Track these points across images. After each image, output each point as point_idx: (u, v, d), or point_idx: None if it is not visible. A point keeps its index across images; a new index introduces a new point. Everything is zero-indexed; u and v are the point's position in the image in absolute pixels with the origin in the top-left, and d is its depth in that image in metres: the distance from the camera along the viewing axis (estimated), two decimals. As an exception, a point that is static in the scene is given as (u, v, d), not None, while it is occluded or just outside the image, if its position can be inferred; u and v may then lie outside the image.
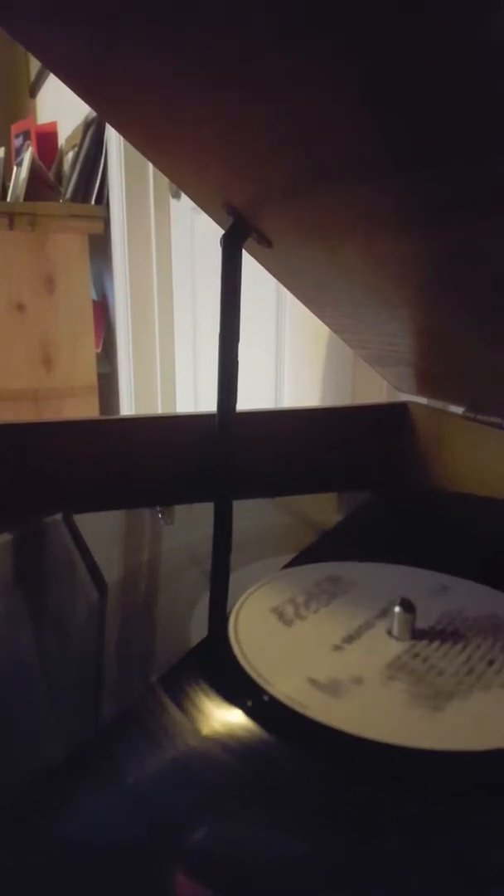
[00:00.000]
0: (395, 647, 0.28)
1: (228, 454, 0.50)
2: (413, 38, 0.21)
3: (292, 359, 0.92)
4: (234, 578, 0.35)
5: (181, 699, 0.24)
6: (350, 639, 0.28)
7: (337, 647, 0.28)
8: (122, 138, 1.50)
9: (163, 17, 0.26)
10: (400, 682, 0.25)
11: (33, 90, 2.46)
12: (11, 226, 1.51)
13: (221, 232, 0.46)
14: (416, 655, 0.27)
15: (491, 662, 0.27)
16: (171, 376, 1.59)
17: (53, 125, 1.98)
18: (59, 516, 0.42)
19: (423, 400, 0.58)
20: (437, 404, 0.57)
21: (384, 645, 0.28)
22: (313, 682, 0.25)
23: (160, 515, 0.44)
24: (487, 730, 0.23)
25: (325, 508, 0.49)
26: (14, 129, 2.11)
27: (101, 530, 0.42)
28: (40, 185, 1.65)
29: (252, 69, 0.27)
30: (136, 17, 0.27)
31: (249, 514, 0.46)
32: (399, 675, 0.26)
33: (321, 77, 0.26)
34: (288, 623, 0.29)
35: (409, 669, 0.26)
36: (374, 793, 0.20)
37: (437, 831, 0.19)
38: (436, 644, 0.28)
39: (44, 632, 0.30)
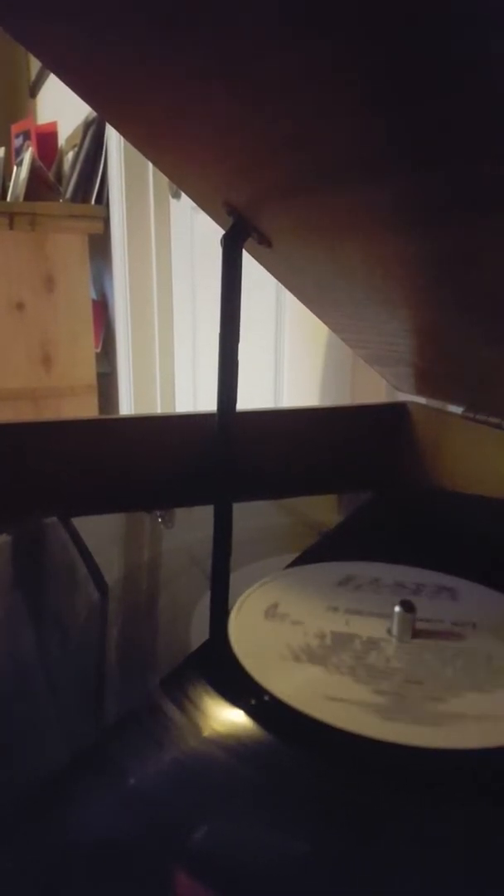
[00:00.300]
0: (367, 631, 0.29)
1: (228, 454, 0.50)
2: (413, 38, 0.22)
3: (292, 358, 0.92)
4: (235, 579, 0.35)
5: (182, 699, 0.24)
6: (352, 612, 0.29)
7: (333, 609, 0.28)
8: (122, 138, 1.50)
9: (164, 17, 0.26)
10: (317, 643, 0.28)
11: (33, 90, 2.46)
12: (11, 225, 1.51)
13: (221, 232, 0.46)
14: (374, 644, 0.28)
15: (418, 682, 0.26)
16: (170, 376, 1.59)
17: (53, 125, 1.98)
18: (58, 517, 0.42)
19: (422, 400, 0.58)
20: (437, 404, 0.57)
21: (366, 628, 0.29)
22: (270, 608, 0.27)
23: (160, 520, 0.44)
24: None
25: (324, 509, 0.49)
26: (14, 128, 2.11)
27: (101, 531, 0.42)
28: (40, 185, 1.65)
29: (253, 69, 0.27)
30: (138, 16, 0.27)
31: (249, 514, 0.46)
32: (327, 641, 0.28)
33: (322, 77, 0.26)
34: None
35: (341, 644, 0.28)
36: (374, 795, 0.21)
37: (443, 831, 0.19)
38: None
39: (46, 633, 0.30)
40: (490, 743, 0.22)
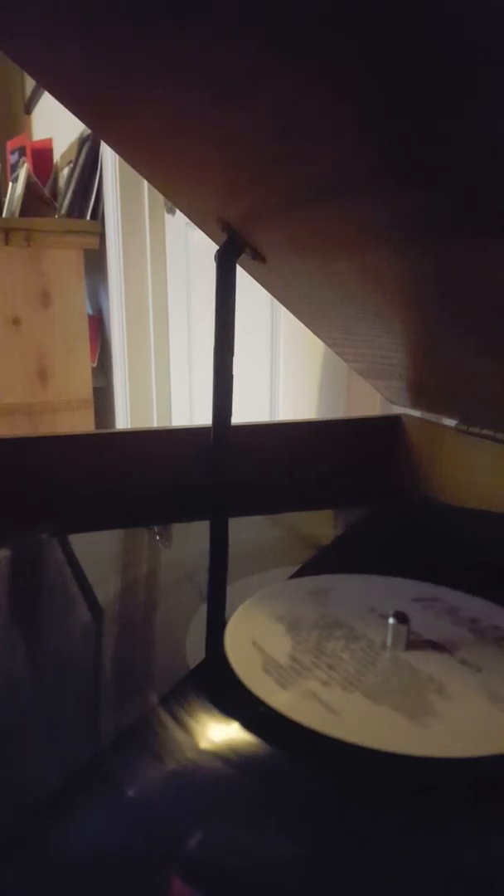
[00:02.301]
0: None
1: (224, 467, 0.50)
2: (409, 57, 0.22)
3: (287, 372, 0.93)
4: (231, 592, 0.35)
5: (180, 713, 0.24)
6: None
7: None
8: (116, 154, 1.51)
9: (159, 38, 0.26)
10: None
11: (29, 107, 2.48)
12: (7, 241, 1.51)
13: (216, 246, 0.47)
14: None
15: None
16: (166, 390, 1.59)
17: (49, 141, 2.00)
18: (54, 532, 0.42)
19: (417, 412, 0.59)
20: (431, 417, 0.58)
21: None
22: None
23: (157, 537, 0.44)
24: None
25: (319, 521, 0.49)
26: (10, 145, 2.12)
27: (97, 547, 0.42)
28: (36, 201, 1.66)
29: (248, 87, 0.28)
30: (131, 36, 0.27)
31: (245, 528, 0.46)
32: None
33: (317, 94, 0.26)
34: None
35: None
36: (371, 801, 0.21)
37: (447, 843, 0.19)
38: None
39: (44, 648, 0.30)
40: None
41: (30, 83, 2.42)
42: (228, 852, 0.19)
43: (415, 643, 0.29)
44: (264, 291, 0.54)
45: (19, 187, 1.66)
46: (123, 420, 1.70)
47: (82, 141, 1.66)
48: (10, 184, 1.78)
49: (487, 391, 0.45)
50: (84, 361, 1.64)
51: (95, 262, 1.70)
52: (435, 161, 0.27)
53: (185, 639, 0.30)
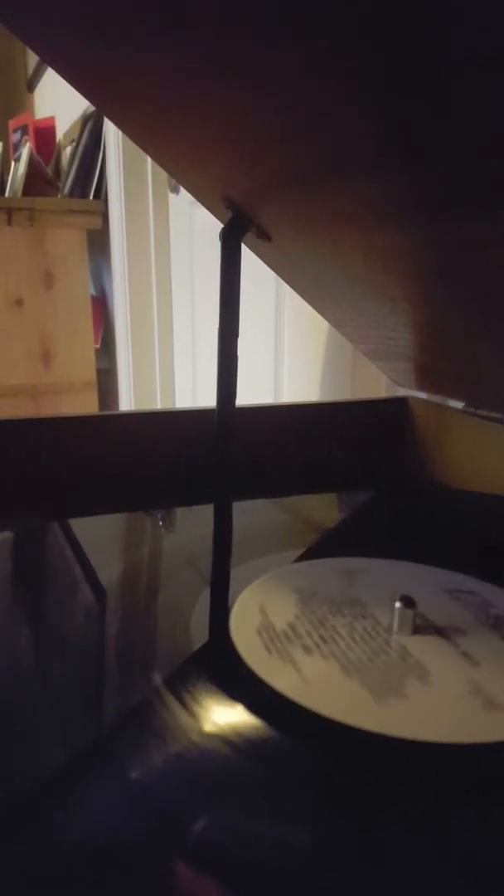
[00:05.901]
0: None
1: (228, 449, 0.50)
2: (413, 31, 0.21)
3: (291, 353, 0.92)
4: (235, 576, 0.35)
5: (184, 695, 0.24)
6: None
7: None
8: (120, 133, 1.50)
9: (163, 12, 0.26)
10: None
11: (31, 85, 2.45)
12: (10, 221, 1.50)
13: (220, 226, 0.46)
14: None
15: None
16: (169, 371, 1.58)
17: (51, 120, 1.98)
18: (56, 514, 0.42)
19: (423, 394, 0.58)
20: (437, 399, 0.57)
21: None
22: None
23: (160, 523, 0.44)
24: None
25: (324, 504, 0.49)
26: (12, 123, 2.10)
27: (100, 528, 0.42)
28: (38, 181, 1.64)
29: (252, 63, 0.27)
30: (137, 12, 0.26)
31: (249, 511, 0.46)
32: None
33: (321, 70, 0.25)
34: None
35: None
36: (375, 784, 0.20)
37: (439, 824, 0.19)
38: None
39: (46, 631, 0.30)
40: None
41: (32, 61, 2.39)
42: (236, 837, 0.18)
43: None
44: (269, 272, 0.53)
45: (22, 166, 1.64)
46: (127, 402, 1.69)
47: (85, 119, 1.65)
48: (13, 163, 1.76)
49: (495, 373, 0.44)
50: (87, 343, 1.64)
51: (98, 243, 1.69)
52: (442, 139, 0.26)
53: (191, 623, 0.30)
